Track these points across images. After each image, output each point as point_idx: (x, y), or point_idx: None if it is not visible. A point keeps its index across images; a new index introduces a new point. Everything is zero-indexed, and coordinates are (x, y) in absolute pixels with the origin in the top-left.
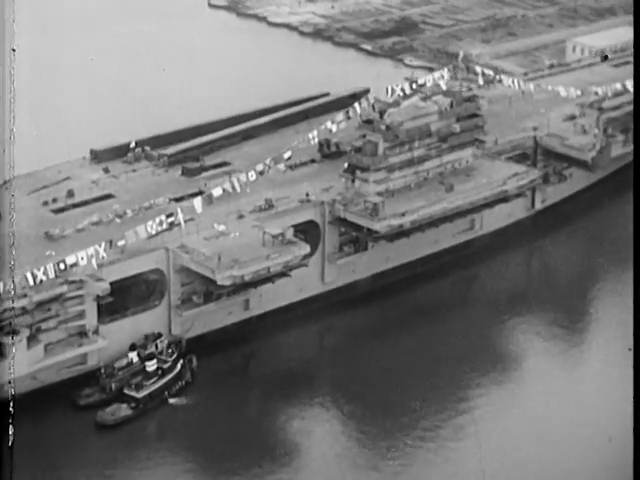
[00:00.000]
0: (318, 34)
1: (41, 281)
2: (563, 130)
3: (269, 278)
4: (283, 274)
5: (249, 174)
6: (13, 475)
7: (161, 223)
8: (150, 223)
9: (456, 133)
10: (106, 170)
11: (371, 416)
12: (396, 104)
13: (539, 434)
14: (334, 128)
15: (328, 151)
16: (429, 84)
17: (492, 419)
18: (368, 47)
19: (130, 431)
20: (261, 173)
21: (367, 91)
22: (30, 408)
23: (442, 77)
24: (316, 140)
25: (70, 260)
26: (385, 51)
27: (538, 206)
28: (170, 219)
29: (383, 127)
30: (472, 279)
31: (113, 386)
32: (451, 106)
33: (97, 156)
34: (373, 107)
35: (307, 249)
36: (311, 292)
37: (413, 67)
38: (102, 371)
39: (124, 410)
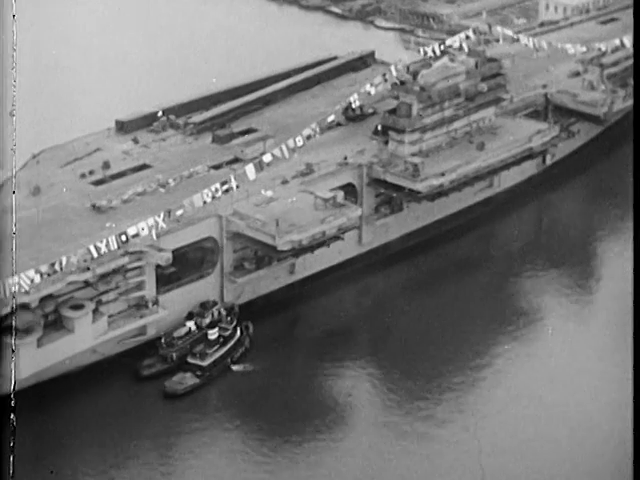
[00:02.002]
0: None
1: (101, 253)
2: (571, 86)
3: (324, 242)
4: (336, 237)
5: (297, 139)
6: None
7: (217, 190)
8: (206, 191)
9: (483, 92)
10: (135, 140)
11: (408, 375)
12: (427, 65)
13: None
14: (372, 91)
15: (353, 114)
16: (456, 45)
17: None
18: (337, 10)
19: (196, 399)
20: (308, 138)
21: (372, 53)
22: (93, 381)
23: (468, 38)
24: (357, 103)
25: (131, 231)
26: (354, 13)
27: (548, 162)
28: (225, 186)
29: (417, 88)
30: (490, 236)
31: (174, 356)
32: (476, 66)
33: (123, 126)
34: (407, 69)
35: (359, 211)
36: (350, 254)
37: (384, 29)
38: (162, 341)
39: (191, 379)
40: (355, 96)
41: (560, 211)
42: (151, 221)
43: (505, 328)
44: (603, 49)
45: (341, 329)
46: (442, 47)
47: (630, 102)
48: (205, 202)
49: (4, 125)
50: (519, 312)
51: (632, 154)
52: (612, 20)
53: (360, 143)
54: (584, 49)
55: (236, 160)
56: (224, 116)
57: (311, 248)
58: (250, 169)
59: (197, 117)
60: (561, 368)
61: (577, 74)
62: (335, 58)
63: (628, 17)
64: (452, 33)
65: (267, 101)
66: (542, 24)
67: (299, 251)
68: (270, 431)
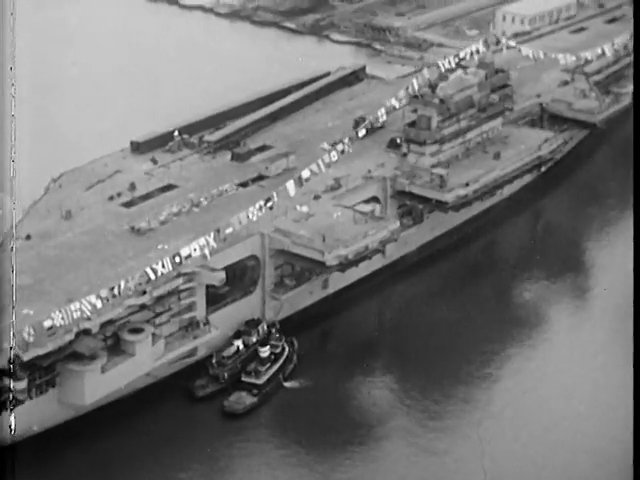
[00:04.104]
0: (235, 15)
1: (157, 276)
2: (562, 95)
3: (366, 255)
4: (377, 250)
5: (331, 154)
6: None
7: (260, 208)
8: (251, 209)
9: (493, 103)
10: (154, 161)
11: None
12: (444, 78)
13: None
14: (397, 104)
15: None
16: (468, 57)
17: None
18: (291, 25)
19: (252, 418)
20: (342, 152)
21: (364, 68)
22: (148, 404)
23: (478, 51)
24: (384, 117)
25: (184, 252)
26: (308, 28)
27: (542, 169)
28: (269, 203)
29: (436, 100)
30: (494, 243)
31: (226, 375)
32: (486, 77)
33: (139, 147)
34: (429, 82)
35: (397, 224)
36: (375, 267)
37: (340, 43)
38: (213, 361)
39: (248, 397)
40: (382, 110)
41: (556, 215)
42: (202, 241)
43: (514, 334)
44: (589, 58)
45: (370, 340)
46: (457, 59)
47: (615, 108)
48: (249, 218)
49: (5, 148)
50: (525, 317)
51: (633, 158)
52: (581, 29)
53: (377, 156)
54: (574, 58)
55: (260, 177)
56: (236, 134)
57: (356, 262)
58: (290, 185)
59: (210, 136)
60: (564, 371)
61: (566, 83)
62: (328, 74)
63: (597, 26)
64: (409, 45)
65: (274, 117)
66: (516, 35)
67: (345, 265)
68: (329, 450)
